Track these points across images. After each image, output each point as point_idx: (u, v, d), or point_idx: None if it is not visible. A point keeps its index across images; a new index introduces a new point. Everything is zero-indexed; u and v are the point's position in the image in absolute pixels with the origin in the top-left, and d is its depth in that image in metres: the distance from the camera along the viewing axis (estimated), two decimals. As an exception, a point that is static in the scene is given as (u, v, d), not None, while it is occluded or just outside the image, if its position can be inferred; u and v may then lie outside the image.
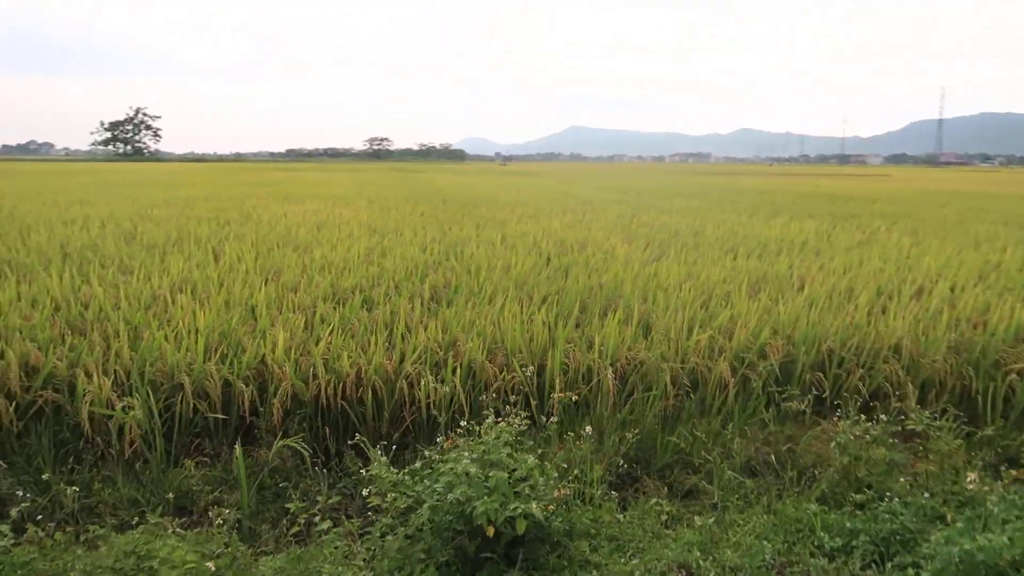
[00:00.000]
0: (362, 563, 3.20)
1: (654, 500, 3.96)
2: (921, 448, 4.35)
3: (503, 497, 3.07)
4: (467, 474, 3.16)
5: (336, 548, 3.30)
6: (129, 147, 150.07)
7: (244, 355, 5.35)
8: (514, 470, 3.26)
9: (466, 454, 3.40)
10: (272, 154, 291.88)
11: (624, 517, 3.65)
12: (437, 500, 3.18)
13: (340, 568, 3.14)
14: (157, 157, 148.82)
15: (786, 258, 9.63)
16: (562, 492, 3.26)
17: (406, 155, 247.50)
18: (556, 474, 3.47)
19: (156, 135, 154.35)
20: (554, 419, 4.55)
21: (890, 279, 8.05)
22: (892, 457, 3.99)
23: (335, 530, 3.43)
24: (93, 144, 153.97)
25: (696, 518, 3.63)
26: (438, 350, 5.66)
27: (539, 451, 4.13)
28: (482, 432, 3.60)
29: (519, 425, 3.68)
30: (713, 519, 3.65)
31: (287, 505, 3.83)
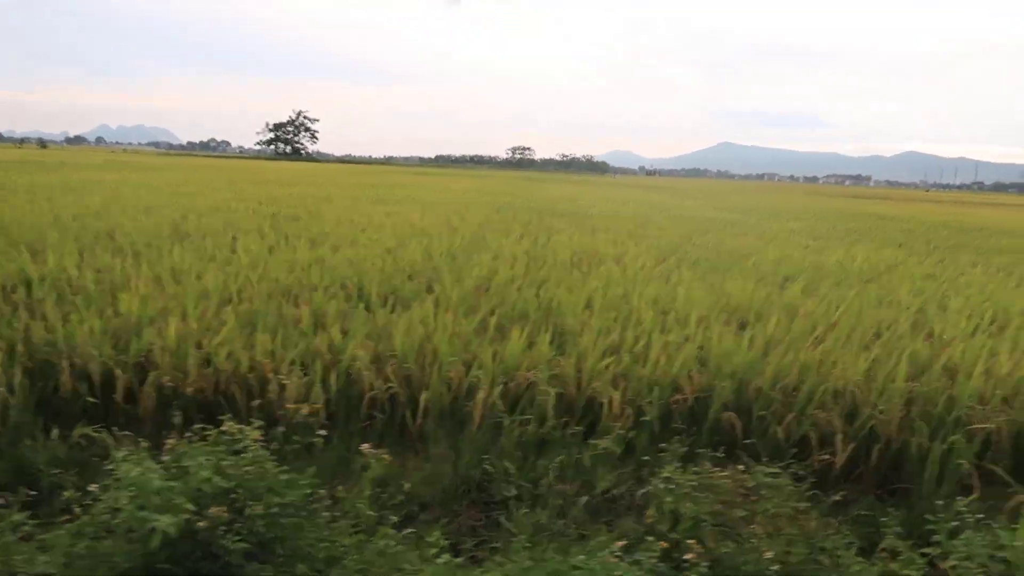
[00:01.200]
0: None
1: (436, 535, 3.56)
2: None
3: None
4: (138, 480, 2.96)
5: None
6: (289, 147, 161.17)
7: (136, 342, 5.42)
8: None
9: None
10: (422, 159, 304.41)
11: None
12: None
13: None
14: (313, 158, 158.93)
15: (809, 288, 8.68)
16: (219, 511, 2.96)
17: (548, 165, 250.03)
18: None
19: (314, 137, 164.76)
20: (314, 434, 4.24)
21: (896, 319, 7.01)
22: (699, 512, 3.36)
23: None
24: (258, 144, 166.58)
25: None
26: (328, 352, 5.48)
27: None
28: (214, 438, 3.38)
29: (250, 435, 3.40)
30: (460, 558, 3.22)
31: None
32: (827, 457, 4.82)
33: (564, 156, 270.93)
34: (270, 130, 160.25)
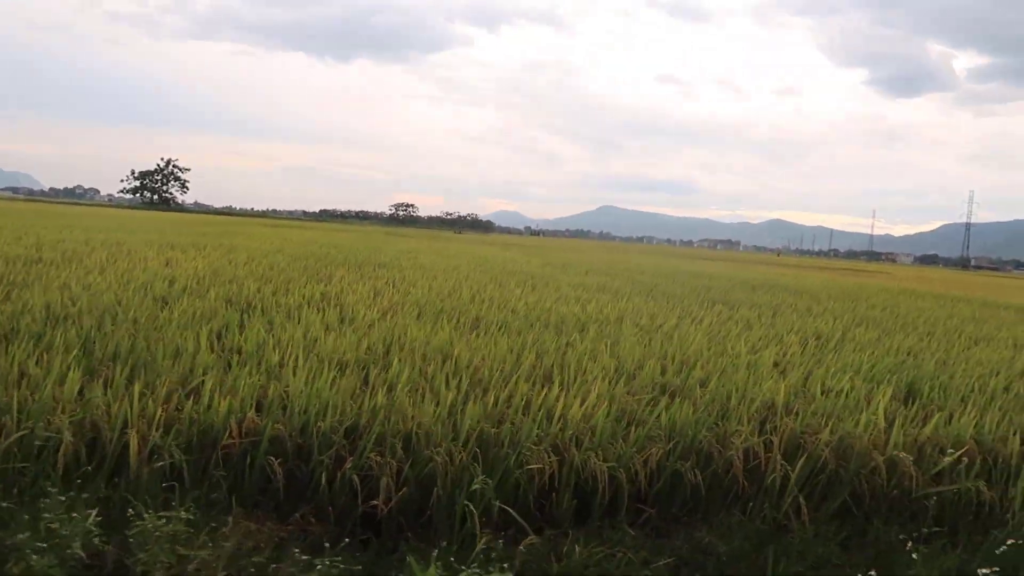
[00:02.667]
0: None
1: None
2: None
3: None
4: None
5: None
6: (156, 196, 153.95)
7: None
8: None
9: None
10: (305, 213, 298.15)
11: None
12: None
13: None
14: (182, 208, 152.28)
15: (500, 331, 8.66)
16: None
17: (432, 223, 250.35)
18: None
19: (184, 187, 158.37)
20: None
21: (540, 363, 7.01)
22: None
23: None
24: (121, 191, 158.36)
25: None
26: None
27: None
28: None
29: None
30: None
31: None
32: (375, 503, 4.61)
33: (448, 214, 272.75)
34: (136, 178, 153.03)
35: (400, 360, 6.29)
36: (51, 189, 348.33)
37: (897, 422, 5.57)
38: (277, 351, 6.40)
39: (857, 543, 4.71)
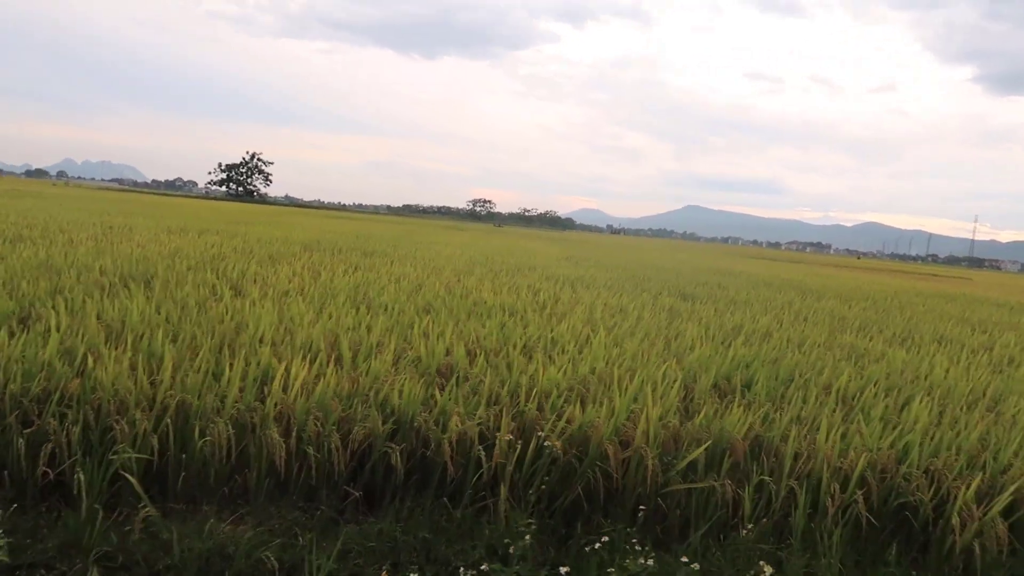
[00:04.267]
0: None
1: None
2: None
3: None
4: None
5: None
6: (241, 188, 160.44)
7: None
8: None
9: None
10: (389, 207, 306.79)
11: None
12: None
13: None
14: (265, 200, 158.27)
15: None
16: None
17: (509, 219, 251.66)
18: None
19: (267, 179, 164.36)
20: None
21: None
22: None
23: None
24: (210, 183, 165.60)
25: None
26: None
27: None
28: None
29: None
30: None
31: None
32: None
33: (526, 210, 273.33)
34: (222, 171, 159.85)
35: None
36: (153, 181, 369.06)
37: (672, 414, 4.96)
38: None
39: (554, 538, 4.22)
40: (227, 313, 7.02)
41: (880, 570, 4.26)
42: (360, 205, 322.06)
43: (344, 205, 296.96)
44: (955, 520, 4.29)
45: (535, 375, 5.51)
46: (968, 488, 4.39)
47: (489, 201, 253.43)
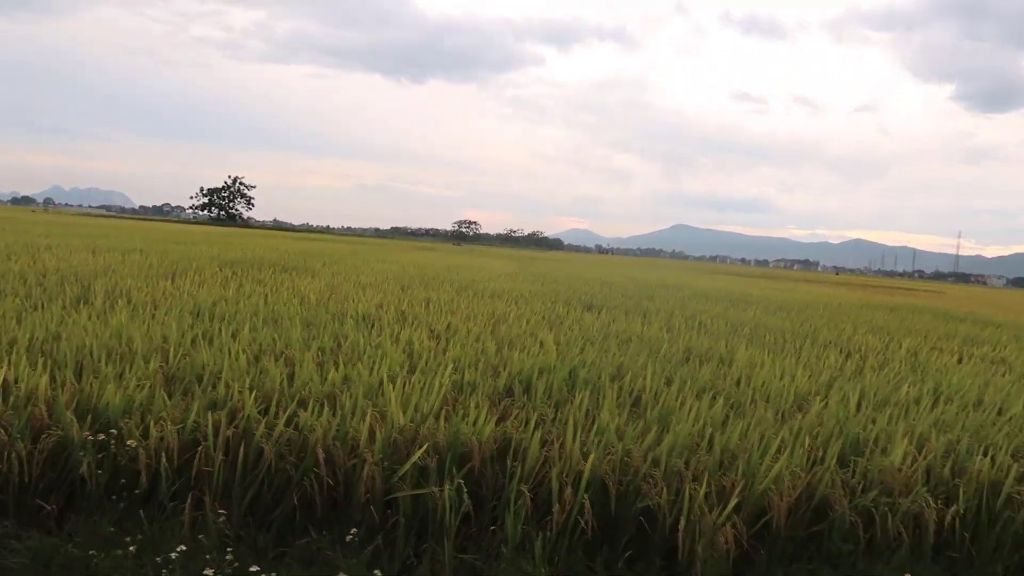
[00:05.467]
0: None
1: None
2: None
3: None
4: None
5: None
6: (223, 212, 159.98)
7: None
8: None
9: None
10: (378, 230, 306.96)
11: None
12: None
13: None
14: (247, 223, 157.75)
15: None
16: None
17: (495, 240, 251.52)
18: None
19: (249, 203, 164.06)
20: None
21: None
22: None
23: None
24: (191, 208, 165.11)
25: None
26: None
27: None
28: None
29: None
30: None
31: None
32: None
33: (512, 231, 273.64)
34: (204, 195, 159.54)
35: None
36: (141, 207, 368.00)
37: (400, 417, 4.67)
38: None
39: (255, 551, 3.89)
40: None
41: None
42: (349, 228, 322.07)
43: (331, 228, 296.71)
44: (682, 523, 4.00)
45: (294, 380, 5.21)
46: (701, 489, 4.10)
47: (474, 223, 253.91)
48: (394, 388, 5.05)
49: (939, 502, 4.51)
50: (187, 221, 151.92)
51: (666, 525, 4.16)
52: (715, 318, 13.40)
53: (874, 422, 5.46)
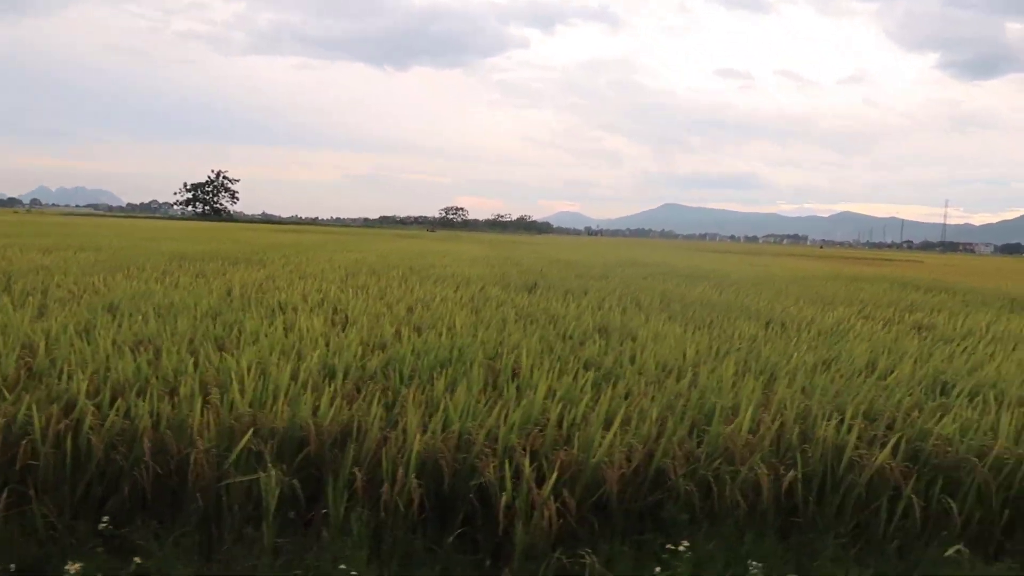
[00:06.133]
0: None
1: None
2: None
3: None
4: None
5: None
6: (208, 207, 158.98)
7: None
8: None
9: None
10: (367, 220, 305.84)
11: None
12: None
13: None
14: (232, 217, 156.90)
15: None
16: None
17: (481, 226, 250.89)
18: None
19: (234, 197, 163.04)
20: None
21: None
22: None
23: None
24: (177, 204, 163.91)
25: None
26: None
27: None
28: None
29: None
30: None
31: None
32: None
33: (500, 216, 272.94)
34: (188, 190, 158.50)
35: None
36: (128, 204, 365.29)
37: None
38: None
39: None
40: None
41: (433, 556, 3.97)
42: (338, 219, 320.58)
43: (319, 220, 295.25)
44: (503, 499, 4.00)
45: (138, 367, 5.19)
46: (526, 464, 4.10)
47: (462, 209, 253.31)
48: (250, 374, 5.02)
49: (785, 468, 4.52)
50: (173, 218, 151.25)
51: (500, 503, 4.16)
52: (658, 295, 13.40)
53: (738, 392, 5.46)
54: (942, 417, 5.15)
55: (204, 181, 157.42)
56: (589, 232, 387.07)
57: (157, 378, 5.14)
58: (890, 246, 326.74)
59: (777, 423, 4.80)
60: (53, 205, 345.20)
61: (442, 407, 4.71)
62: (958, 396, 5.78)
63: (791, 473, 4.42)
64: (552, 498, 4.01)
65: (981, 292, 20.01)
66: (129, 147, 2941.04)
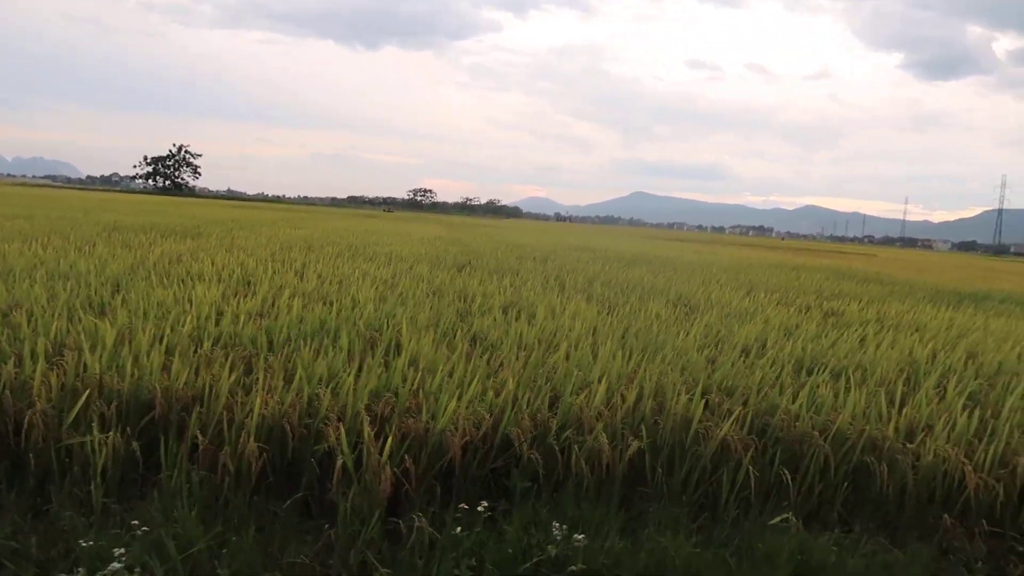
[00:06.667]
0: None
1: None
2: None
3: None
4: None
5: None
6: (168, 182, 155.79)
7: None
8: None
9: None
10: (334, 199, 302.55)
11: None
12: None
13: None
14: (194, 192, 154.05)
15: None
16: None
17: (450, 208, 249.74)
18: None
19: (196, 172, 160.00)
20: None
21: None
22: None
23: None
24: (137, 177, 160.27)
25: None
26: None
27: None
28: None
29: None
30: None
31: None
32: None
33: (468, 200, 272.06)
34: (148, 164, 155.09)
35: None
36: (88, 177, 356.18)
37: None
38: None
39: None
40: None
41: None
42: (305, 198, 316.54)
43: (285, 198, 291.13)
44: (339, 463, 4.03)
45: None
46: (365, 429, 4.13)
47: (430, 191, 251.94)
48: (116, 339, 4.97)
49: (637, 439, 4.62)
50: (133, 191, 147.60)
51: (340, 467, 4.18)
52: (586, 277, 13.50)
53: (605, 366, 5.55)
54: (798, 394, 5.30)
55: (165, 155, 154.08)
56: (558, 218, 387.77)
57: (16, 340, 5.06)
58: (852, 240, 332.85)
59: (633, 396, 4.89)
60: (8, 175, 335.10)
61: (298, 374, 4.71)
62: (820, 374, 5.94)
63: (635, 443, 4.52)
64: (389, 463, 4.04)
65: (911, 284, 20.54)
66: (90, 119, 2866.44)
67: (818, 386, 5.48)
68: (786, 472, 4.56)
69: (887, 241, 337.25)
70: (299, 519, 4.12)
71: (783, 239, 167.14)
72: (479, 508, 3.70)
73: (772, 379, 5.64)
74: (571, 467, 4.43)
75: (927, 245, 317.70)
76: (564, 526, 3.63)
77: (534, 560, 3.50)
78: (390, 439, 4.07)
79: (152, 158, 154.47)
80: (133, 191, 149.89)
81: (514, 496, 4.32)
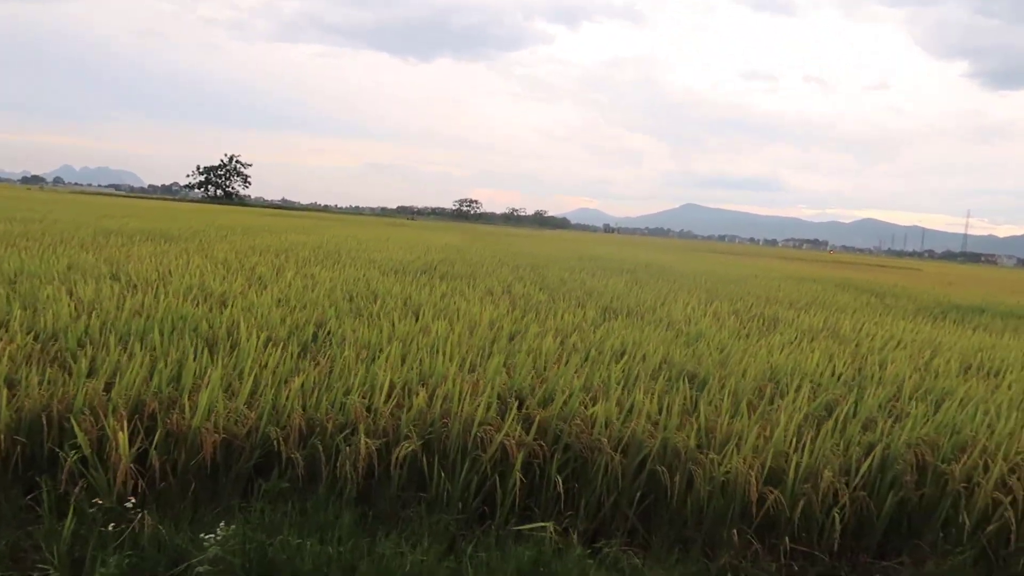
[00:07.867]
0: None
1: None
2: None
3: None
4: None
5: None
6: (220, 191, 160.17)
7: None
8: None
9: None
10: (384, 209, 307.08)
11: None
12: None
13: None
14: (243, 202, 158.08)
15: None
16: None
17: (496, 219, 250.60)
18: None
19: (246, 182, 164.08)
20: None
21: None
22: None
23: None
24: (187, 186, 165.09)
25: None
26: None
27: None
28: None
29: None
30: None
31: None
32: None
33: (514, 211, 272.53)
34: (200, 173, 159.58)
35: None
36: (150, 186, 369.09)
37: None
38: None
39: None
40: None
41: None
42: (356, 207, 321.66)
43: (335, 207, 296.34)
44: (73, 458, 3.99)
45: None
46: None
47: (476, 201, 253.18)
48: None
49: (417, 440, 4.48)
50: (190, 200, 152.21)
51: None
52: (570, 288, 13.28)
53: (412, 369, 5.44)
54: (620, 401, 5.07)
55: (217, 165, 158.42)
56: (607, 229, 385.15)
57: None
58: (911, 254, 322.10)
59: (422, 398, 4.75)
60: (76, 184, 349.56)
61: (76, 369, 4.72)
62: (675, 381, 5.71)
63: (404, 445, 4.37)
64: (130, 459, 3.99)
65: (916, 298, 19.71)
66: (152, 130, 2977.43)
67: (661, 392, 5.26)
68: (560, 480, 4.36)
69: (948, 255, 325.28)
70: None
71: (832, 252, 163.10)
72: (127, 504, 3.62)
73: (599, 384, 5.42)
74: (336, 469, 4.32)
75: (991, 260, 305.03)
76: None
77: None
78: (124, 435, 4.02)
79: (204, 168, 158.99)
80: (191, 200, 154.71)
81: (267, 497, 4.23)
